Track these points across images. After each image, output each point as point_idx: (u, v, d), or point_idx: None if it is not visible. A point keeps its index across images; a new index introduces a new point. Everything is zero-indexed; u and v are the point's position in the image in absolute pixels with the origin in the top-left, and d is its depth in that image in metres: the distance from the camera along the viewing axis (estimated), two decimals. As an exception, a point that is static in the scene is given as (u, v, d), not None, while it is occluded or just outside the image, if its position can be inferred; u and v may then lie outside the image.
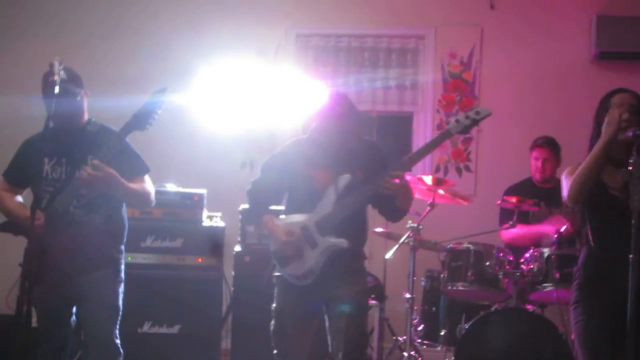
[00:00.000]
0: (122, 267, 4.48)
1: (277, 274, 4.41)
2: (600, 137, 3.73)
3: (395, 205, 4.26)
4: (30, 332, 3.77)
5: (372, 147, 4.42)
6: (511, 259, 5.53)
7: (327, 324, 4.29)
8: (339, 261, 4.21)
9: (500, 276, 5.45)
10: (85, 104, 4.38)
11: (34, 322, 4.22)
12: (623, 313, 3.45)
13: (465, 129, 4.13)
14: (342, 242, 4.18)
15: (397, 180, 4.07)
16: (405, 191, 4.24)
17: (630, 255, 3.39)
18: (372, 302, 5.95)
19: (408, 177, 5.75)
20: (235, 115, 6.86)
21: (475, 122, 4.11)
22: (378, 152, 4.38)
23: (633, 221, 3.38)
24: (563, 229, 5.44)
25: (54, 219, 4.16)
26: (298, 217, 4.29)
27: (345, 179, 4.20)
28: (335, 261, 4.21)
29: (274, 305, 4.38)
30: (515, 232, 5.85)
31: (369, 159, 4.30)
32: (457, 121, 4.12)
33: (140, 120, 4.05)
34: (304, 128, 6.36)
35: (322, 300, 4.27)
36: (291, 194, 4.43)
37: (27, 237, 3.98)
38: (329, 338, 4.28)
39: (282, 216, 4.40)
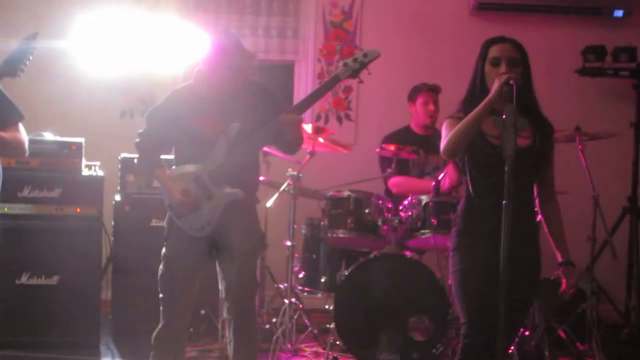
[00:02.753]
0: (-3, 218, 4.39)
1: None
2: (484, 100, 3.68)
3: (288, 139, 4.22)
4: None
5: (259, 88, 4.35)
6: (390, 206, 5.63)
7: (217, 268, 4.30)
8: (235, 211, 4.20)
9: (380, 223, 5.55)
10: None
11: None
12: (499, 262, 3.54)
13: (354, 73, 4.04)
14: (238, 193, 4.16)
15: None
16: (298, 127, 4.21)
17: (504, 201, 3.48)
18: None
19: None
20: (114, 63, 6.73)
21: (364, 65, 4.03)
22: (267, 93, 4.34)
23: (506, 168, 3.47)
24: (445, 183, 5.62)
25: None
26: (190, 167, 4.22)
27: (234, 127, 4.13)
28: (231, 212, 4.19)
29: (163, 250, 4.31)
30: (406, 183, 5.98)
31: (258, 101, 4.26)
32: (345, 65, 4.03)
33: (11, 66, 3.90)
34: (184, 77, 6.30)
35: (214, 247, 4.26)
36: (179, 144, 4.32)
37: None
38: (220, 284, 4.29)
39: (174, 167, 4.32)
